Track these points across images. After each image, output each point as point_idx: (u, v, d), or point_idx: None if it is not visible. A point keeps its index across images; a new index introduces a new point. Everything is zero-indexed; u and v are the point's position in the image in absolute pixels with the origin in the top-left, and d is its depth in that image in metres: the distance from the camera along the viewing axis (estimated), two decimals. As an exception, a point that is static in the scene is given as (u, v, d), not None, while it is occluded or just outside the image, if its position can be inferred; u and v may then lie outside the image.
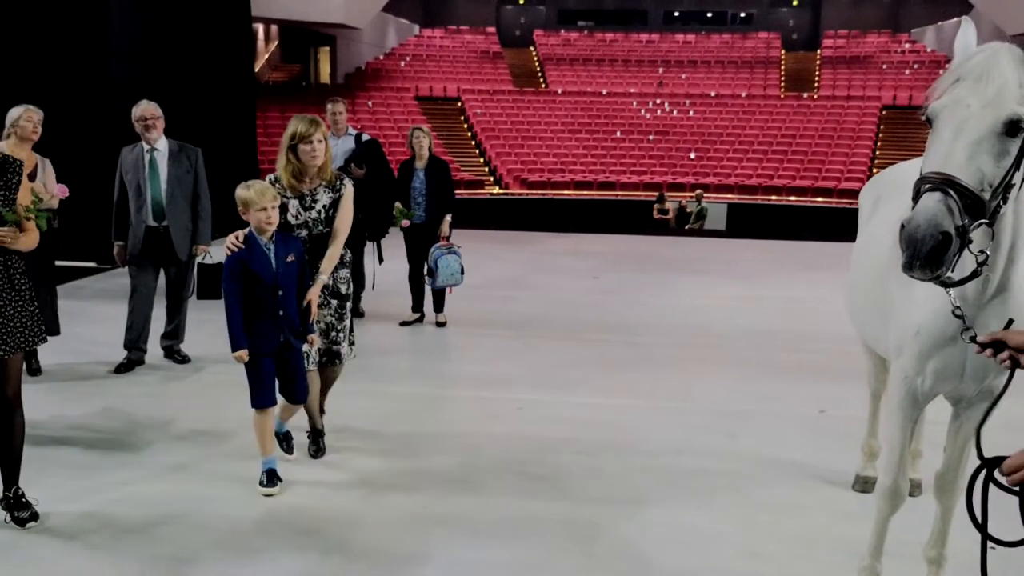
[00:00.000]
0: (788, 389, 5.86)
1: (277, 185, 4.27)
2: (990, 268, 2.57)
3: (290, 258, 4.13)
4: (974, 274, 2.34)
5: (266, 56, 30.54)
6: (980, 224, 2.27)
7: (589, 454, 4.71)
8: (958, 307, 2.45)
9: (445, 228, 7.24)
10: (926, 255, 2.21)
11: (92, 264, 9.41)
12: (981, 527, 2.05)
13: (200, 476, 4.35)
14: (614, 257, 11.13)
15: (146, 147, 5.94)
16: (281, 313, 4.12)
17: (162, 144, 5.97)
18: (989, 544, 2.07)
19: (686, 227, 18.35)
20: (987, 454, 2.03)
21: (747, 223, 20.60)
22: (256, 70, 23.25)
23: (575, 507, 4.08)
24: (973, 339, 2.32)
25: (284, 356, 4.20)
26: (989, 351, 2.19)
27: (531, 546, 3.71)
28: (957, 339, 2.74)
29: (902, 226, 2.26)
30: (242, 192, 4.09)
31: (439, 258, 7.10)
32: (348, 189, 4.42)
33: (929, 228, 2.19)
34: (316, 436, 4.65)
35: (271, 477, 4.17)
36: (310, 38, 31.06)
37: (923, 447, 4.19)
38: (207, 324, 6.53)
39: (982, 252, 2.31)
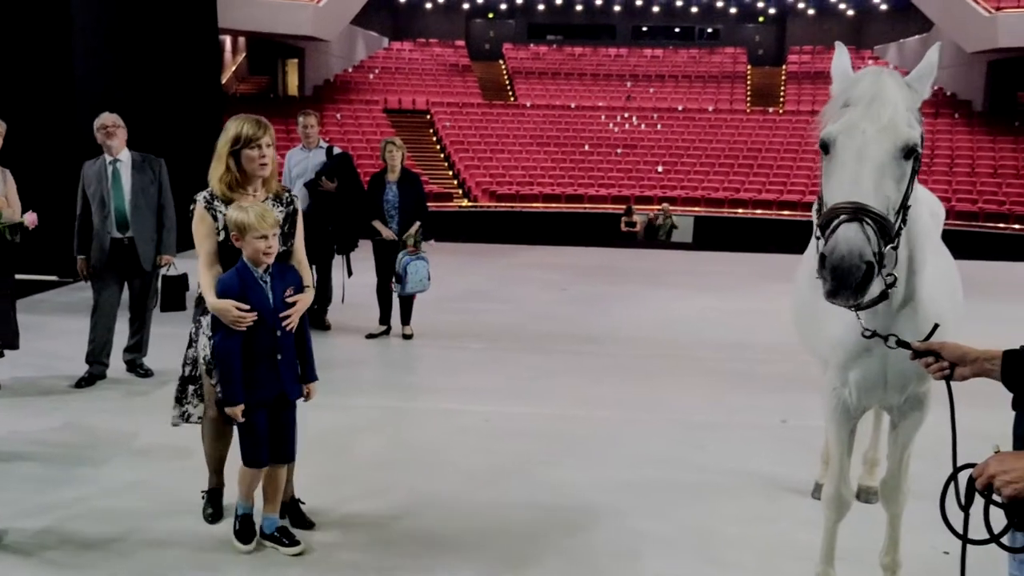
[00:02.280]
0: (755, 400, 5.92)
1: (216, 202, 3.60)
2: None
3: (288, 292, 3.60)
4: (883, 296, 2.38)
5: (233, 68, 30.36)
6: (889, 247, 2.31)
7: (558, 466, 4.72)
8: (867, 330, 2.49)
9: (413, 233, 7.16)
10: (856, 285, 2.22)
11: (53, 277, 9.29)
12: (960, 534, 2.04)
13: (162, 491, 4.28)
14: (582, 269, 11.19)
15: (108, 159, 5.89)
16: (280, 357, 3.56)
17: (124, 155, 5.92)
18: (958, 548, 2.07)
19: (659, 235, 18.74)
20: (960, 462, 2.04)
21: (714, 236, 20.80)
22: (223, 82, 23.10)
23: (544, 519, 4.07)
24: (901, 343, 2.36)
25: (277, 408, 3.63)
26: (923, 360, 2.23)
27: (499, 559, 3.70)
28: (873, 350, 2.80)
29: (823, 256, 2.26)
30: (238, 215, 3.44)
31: (408, 264, 7.07)
32: (298, 203, 3.83)
33: (853, 259, 2.20)
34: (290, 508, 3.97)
35: (245, 527, 3.71)
36: (278, 50, 30.94)
37: (880, 455, 4.24)
38: (170, 337, 6.43)
39: (890, 275, 2.36)
